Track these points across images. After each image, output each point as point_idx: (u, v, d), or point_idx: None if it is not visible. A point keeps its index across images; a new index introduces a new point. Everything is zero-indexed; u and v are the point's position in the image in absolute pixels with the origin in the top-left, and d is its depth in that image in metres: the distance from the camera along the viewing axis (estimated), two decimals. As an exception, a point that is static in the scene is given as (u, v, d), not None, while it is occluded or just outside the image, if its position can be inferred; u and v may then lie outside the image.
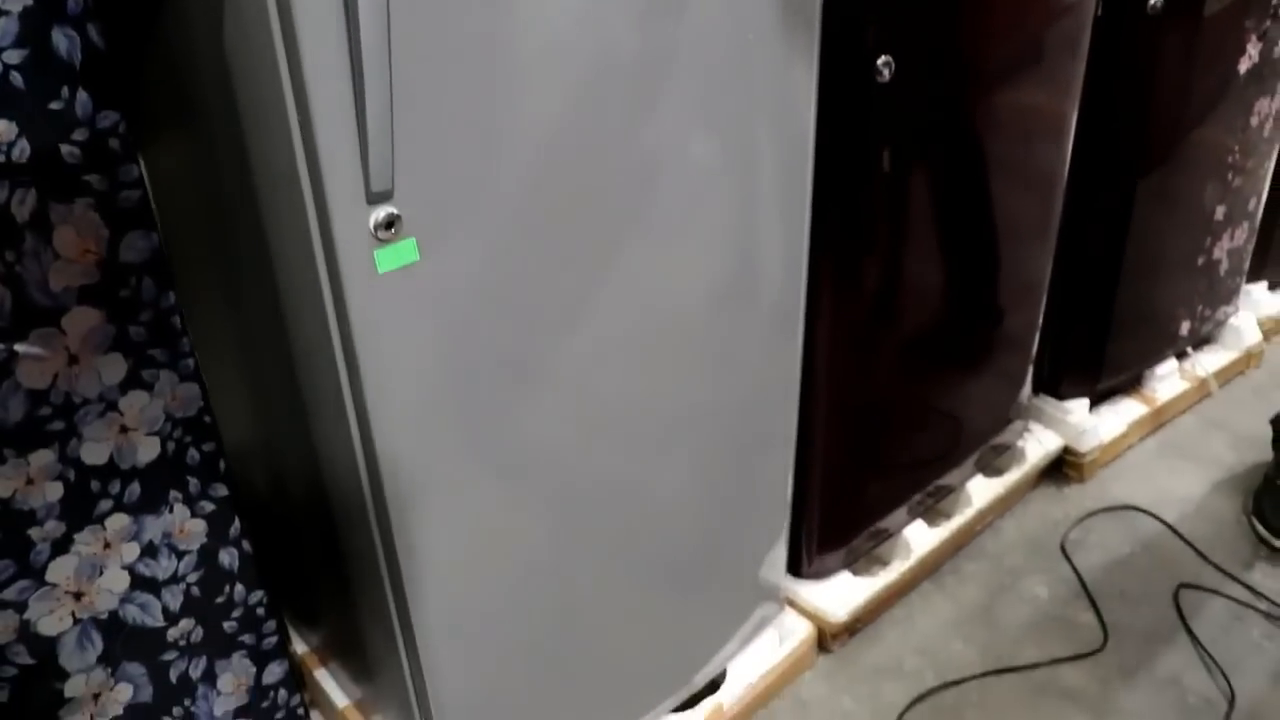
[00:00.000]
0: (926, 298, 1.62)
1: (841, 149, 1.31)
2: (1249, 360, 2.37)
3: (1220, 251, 2.12)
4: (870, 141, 1.34)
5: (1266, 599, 1.77)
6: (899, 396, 1.68)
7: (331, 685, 1.56)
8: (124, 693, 1.05)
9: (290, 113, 0.87)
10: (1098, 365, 2.06)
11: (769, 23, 1.10)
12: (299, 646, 1.56)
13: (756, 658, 1.60)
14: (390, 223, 0.89)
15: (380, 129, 0.84)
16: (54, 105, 0.81)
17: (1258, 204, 2.16)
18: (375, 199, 0.88)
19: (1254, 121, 1.98)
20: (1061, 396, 2.06)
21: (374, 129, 0.84)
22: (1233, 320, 2.33)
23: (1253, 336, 2.34)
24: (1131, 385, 2.18)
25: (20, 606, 0.94)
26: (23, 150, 0.81)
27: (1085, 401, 2.07)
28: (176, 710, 1.10)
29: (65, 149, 0.83)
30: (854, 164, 1.37)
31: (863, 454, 1.67)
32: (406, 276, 0.93)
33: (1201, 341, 2.31)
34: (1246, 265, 2.27)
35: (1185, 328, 2.18)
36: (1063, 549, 1.90)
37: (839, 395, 1.56)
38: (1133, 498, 2.02)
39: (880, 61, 1.25)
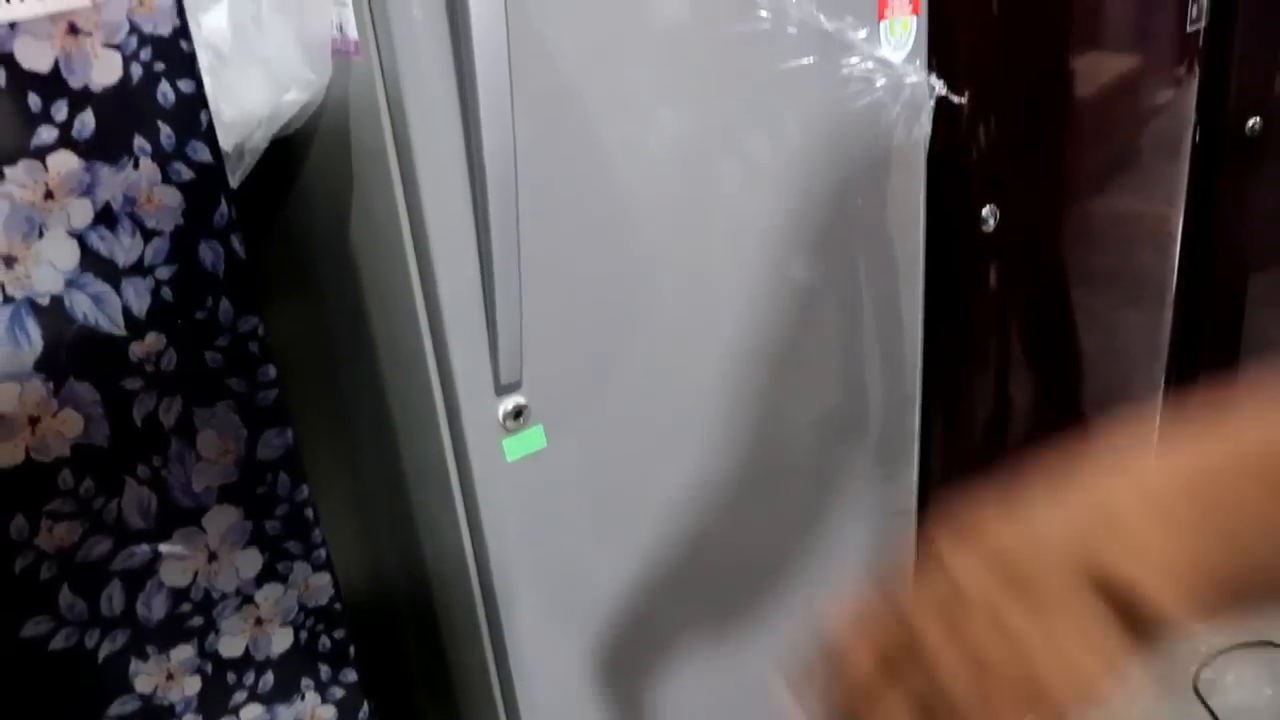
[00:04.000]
0: (1037, 440, 1.59)
1: (951, 294, 1.31)
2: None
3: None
4: (978, 286, 1.34)
5: None
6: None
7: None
8: None
9: (419, 308, 0.89)
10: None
11: (878, 189, 1.11)
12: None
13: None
14: (519, 412, 0.91)
15: (510, 326, 0.86)
16: (199, 315, 0.85)
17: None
18: (504, 390, 0.90)
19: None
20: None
21: (504, 326, 0.86)
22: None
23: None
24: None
25: (158, 802, 0.95)
26: (170, 360, 0.84)
27: (1209, 532, 1.99)
28: None
29: (209, 355, 0.86)
30: (963, 307, 1.36)
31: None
32: (534, 462, 0.94)
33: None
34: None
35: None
36: (1196, 690, 1.81)
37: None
38: (1269, 632, 1.92)
39: (985, 211, 1.25)
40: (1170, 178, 1.63)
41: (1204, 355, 1.86)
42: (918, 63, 1.04)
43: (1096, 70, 1.40)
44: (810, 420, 1.21)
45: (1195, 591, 0.44)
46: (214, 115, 0.84)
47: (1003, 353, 1.47)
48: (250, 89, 0.88)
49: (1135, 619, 0.44)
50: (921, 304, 1.27)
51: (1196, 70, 1.51)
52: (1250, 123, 1.60)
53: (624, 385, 0.99)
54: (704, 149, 0.96)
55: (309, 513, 0.94)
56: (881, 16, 1.00)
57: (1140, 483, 0.46)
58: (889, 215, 1.13)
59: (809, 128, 1.01)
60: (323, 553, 0.96)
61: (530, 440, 0.92)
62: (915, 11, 1.03)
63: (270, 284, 1.13)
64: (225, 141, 0.90)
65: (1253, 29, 1.55)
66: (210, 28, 0.88)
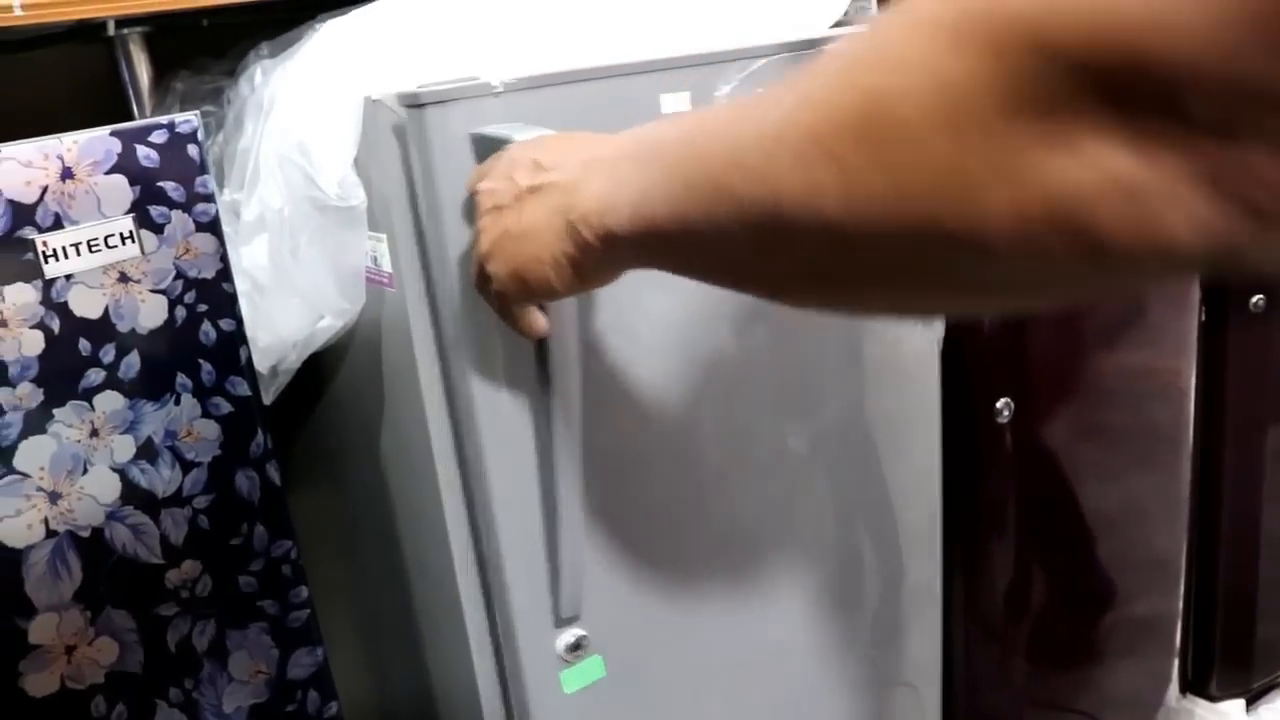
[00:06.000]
0: (1059, 606, 1.58)
1: (966, 486, 1.32)
2: None
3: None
4: (994, 477, 1.36)
5: None
6: (1036, 703, 1.61)
7: None
8: None
9: (461, 536, 0.90)
10: (1247, 657, 1.96)
11: (892, 395, 1.13)
12: None
13: None
14: (578, 644, 0.91)
15: (573, 564, 0.86)
16: (234, 541, 0.87)
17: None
18: (563, 623, 0.90)
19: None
20: (1213, 698, 1.95)
21: (566, 564, 0.86)
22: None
23: None
24: (1288, 677, 2.06)
25: None
26: (205, 585, 0.86)
27: (1241, 702, 1.96)
28: None
29: (243, 580, 0.88)
30: (980, 482, 1.38)
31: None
32: (592, 693, 0.93)
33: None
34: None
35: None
36: None
37: (976, 704, 1.51)
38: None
39: (1000, 403, 1.27)
40: (1179, 330, 1.65)
41: (1224, 510, 1.85)
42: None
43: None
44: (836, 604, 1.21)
45: (620, 220, 0.61)
46: (250, 342, 0.88)
47: (1021, 522, 1.47)
48: (286, 317, 0.92)
49: (586, 246, 0.64)
50: (940, 483, 1.28)
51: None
52: (1254, 300, 1.63)
53: (681, 610, 0.99)
54: (741, 380, 0.99)
55: (336, 730, 0.95)
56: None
57: (608, 148, 0.65)
58: (906, 414, 1.16)
59: (831, 348, 1.05)
60: (350, 769, 0.96)
61: (589, 671, 0.91)
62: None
63: (301, 469, 1.15)
64: (261, 364, 0.94)
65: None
66: (250, 260, 0.93)
